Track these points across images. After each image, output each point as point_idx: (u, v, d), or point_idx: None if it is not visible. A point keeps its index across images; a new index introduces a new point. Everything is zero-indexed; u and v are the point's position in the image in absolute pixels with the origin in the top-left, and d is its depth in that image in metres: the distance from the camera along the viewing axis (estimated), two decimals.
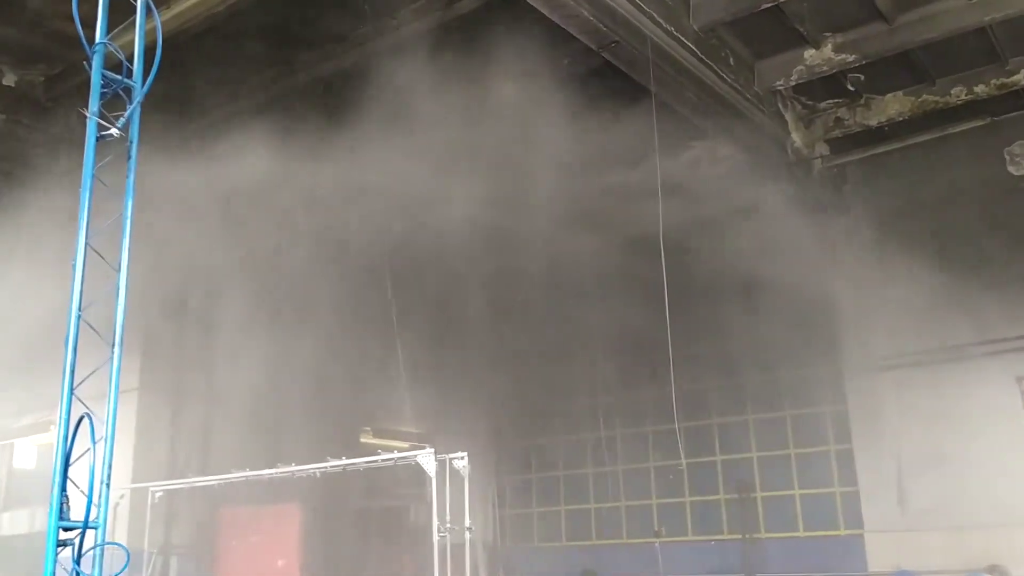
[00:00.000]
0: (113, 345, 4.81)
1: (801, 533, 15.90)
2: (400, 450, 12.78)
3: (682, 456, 12.51)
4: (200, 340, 14.20)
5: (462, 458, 9.74)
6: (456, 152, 12.39)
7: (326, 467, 11.10)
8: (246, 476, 11.90)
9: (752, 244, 13.86)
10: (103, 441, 4.76)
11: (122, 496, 12.31)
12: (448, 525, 9.65)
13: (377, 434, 16.88)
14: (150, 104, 11.75)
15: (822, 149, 14.42)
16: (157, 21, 4.93)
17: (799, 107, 14.00)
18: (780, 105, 13.69)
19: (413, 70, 10.94)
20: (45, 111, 12.34)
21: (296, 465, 11.45)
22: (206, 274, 14.20)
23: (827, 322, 14.94)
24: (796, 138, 13.98)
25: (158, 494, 12.32)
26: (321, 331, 15.59)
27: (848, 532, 14.99)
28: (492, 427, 19.99)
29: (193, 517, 13.75)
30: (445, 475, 9.74)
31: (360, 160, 11.88)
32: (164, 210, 12.34)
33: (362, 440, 16.35)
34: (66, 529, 4.62)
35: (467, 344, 19.39)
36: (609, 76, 11.42)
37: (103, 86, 4.72)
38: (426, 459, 9.78)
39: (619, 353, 16.89)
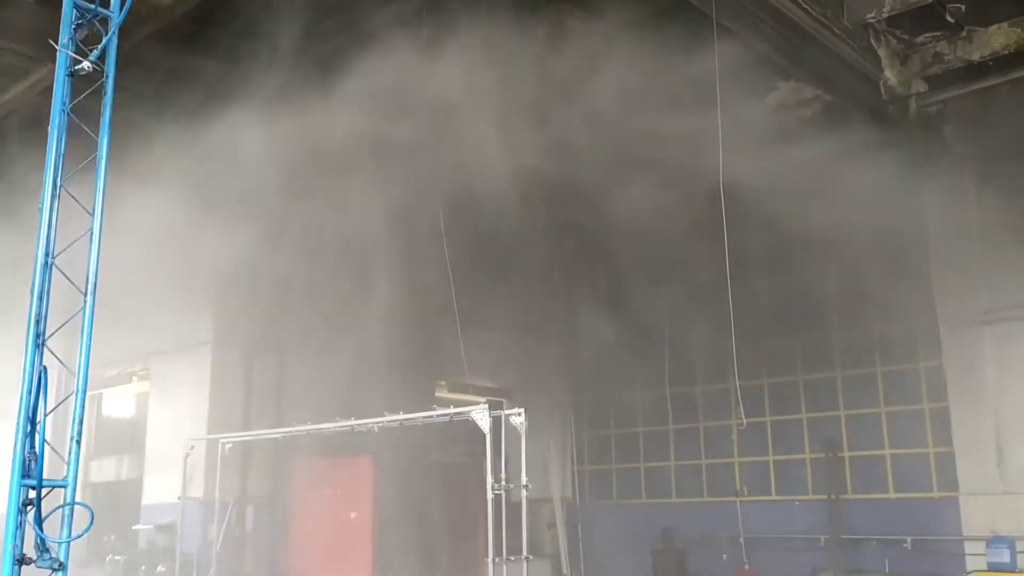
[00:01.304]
0: (85, 294, 4.44)
1: (891, 495, 15.17)
2: (476, 404, 12.63)
3: (743, 415, 11.97)
4: (273, 293, 14.21)
5: (519, 414, 9.44)
6: (527, 98, 11.93)
7: (382, 422, 10.96)
8: (307, 430, 11.89)
9: (843, 190, 13.05)
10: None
11: (192, 447, 12.53)
12: (503, 483, 9.38)
13: (452, 388, 16.74)
14: (221, 58, 11.59)
15: (919, 87, 13.36)
16: None
17: (894, 41, 12.98)
18: (872, 40, 12.71)
19: (475, 14, 10.51)
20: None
21: (355, 419, 11.36)
22: (278, 227, 14.21)
23: (923, 273, 14.04)
24: (890, 75, 12.99)
25: (228, 446, 12.46)
26: (395, 283, 15.51)
27: (942, 494, 14.17)
28: (570, 381, 19.69)
29: (265, 469, 13.90)
30: (501, 431, 9.47)
31: (429, 108, 11.54)
32: (233, 165, 12.33)
33: (437, 394, 16.22)
34: (34, 487, 4.32)
35: (546, 297, 19.10)
36: (684, 13, 10.77)
37: (78, 17, 4.44)
38: (480, 415, 9.52)
39: (700, 304, 16.30)
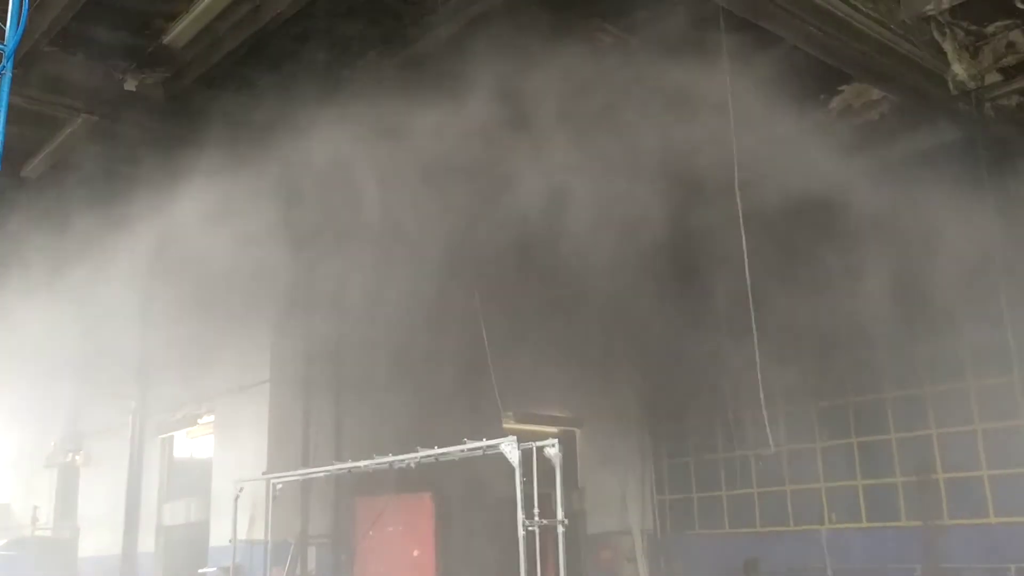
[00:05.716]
0: None
1: (992, 519, 14.07)
2: (548, 435, 12.21)
3: (771, 444, 11.19)
4: (329, 331, 14.13)
5: (553, 445, 9.03)
6: (581, 118, 11.58)
7: (417, 457, 10.69)
8: (348, 468, 11.70)
9: (918, 195, 12.31)
10: None
11: (242, 488, 12.48)
12: (536, 519, 8.96)
13: (520, 419, 16.39)
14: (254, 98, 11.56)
15: (993, 80, 12.50)
16: None
17: (960, 34, 12.17)
18: (936, 33, 11.95)
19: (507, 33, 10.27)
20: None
21: (392, 456, 11.11)
22: (335, 263, 14.17)
23: (1018, 279, 13.04)
24: (959, 70, 12.14)
25: (278, 486, 12.39)
26: (458, 316, 15.30)
27: None
28: (646, 408, 19.11)
29: (324, 508, 13.78)
30: (532, 464, 9.08)
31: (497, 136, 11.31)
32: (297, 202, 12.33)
33: (505, 426, 15.89)
34: None
35: (617, 324, 18.62)
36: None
37: None
38: (508, 447, 9.14)
39: (774, 325, 15.56)
